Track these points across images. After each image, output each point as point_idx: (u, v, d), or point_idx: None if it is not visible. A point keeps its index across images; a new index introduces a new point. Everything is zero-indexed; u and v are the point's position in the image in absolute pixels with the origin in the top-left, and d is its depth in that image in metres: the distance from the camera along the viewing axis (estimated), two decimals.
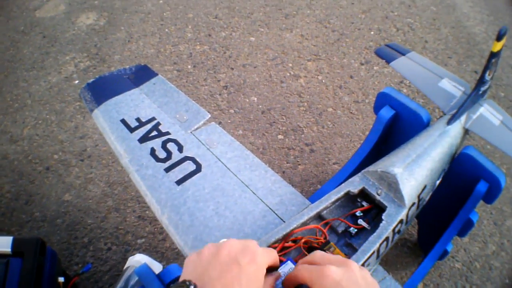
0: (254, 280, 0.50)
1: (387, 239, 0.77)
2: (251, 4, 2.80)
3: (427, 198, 0.98)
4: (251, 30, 2.60)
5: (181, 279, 0.49)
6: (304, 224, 0.77)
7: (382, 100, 1.25)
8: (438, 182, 1.02)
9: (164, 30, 2.60)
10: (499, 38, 1.01)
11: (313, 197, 0.96)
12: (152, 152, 0.94)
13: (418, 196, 0.88)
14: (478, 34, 2.65)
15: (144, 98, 1.08)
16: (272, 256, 0.56)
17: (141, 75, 1.16)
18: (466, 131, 1.11)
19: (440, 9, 2.85)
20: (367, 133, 1.91)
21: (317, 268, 0.51)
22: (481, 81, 1.10)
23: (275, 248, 0.71)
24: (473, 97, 1.11)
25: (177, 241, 0.81)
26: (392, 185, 0.82)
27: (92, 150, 1.92)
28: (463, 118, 1.09)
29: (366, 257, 0.71)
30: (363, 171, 0.87)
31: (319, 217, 0.81)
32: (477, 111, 1.13)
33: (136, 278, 1.05)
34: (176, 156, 0.93)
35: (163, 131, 0.99)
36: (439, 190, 1.04)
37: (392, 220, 0.78)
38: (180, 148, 0.95)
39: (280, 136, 1.98)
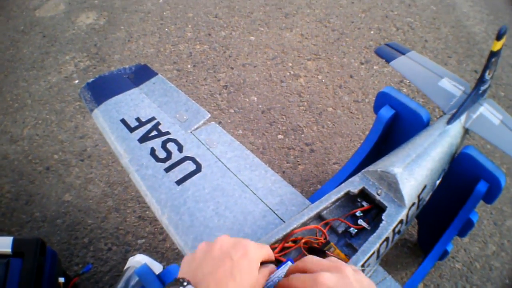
0: (247, 274, 0.50)
1: (387, 239, 0.77)
2: (251, 3, 2.80)
3: (427, 198, 0.98)
4: (251, 29, 2.59)
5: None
6: (304, 224, 0.77)
7: (382, 99, 1.25)
8: (438, 182, 1.02)
9: (164, 30, 2.60)
10: (499, 37, 1.01)
11: (313, 197, 0.96)
12: (152, 152, 0.94)
13: (418, 196, 0.88)
14: (478, 34, 2.65)
15: (144, 97, 1.08)
16: (265, 251, 0.56)
17: (141, 74, 1.16)
18: (466, 131, 1.11)
19: (440, 9, 2.85)
20: (367, 132, 1.91)
21: (310, 277, 0.50)
22: (481, 80, 1.10)
23: (275, 248, 0.71)
24: (473, 97, 1.11)
25: (177, 242, 0.81)
26: (392, 185, 0.82)
27: (92, 150, 1.92)
28: (463, 117, 1.09)
29: (366, 257, 0.71)
30: (363, 171, 0.87)
31: (319, 217, 0.81)
32: (477, 111, 1.13)
33: (137, 279, 1.05)
34: (176, 156, 0.93)
35: (163, 131, 0.99)
36: (439, 190, 1.04)
37: (392, 220, 0.78)
38: (180, 148, 0.95)
39: (280, 136, 1.98)
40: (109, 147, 1.89)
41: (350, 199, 0.85)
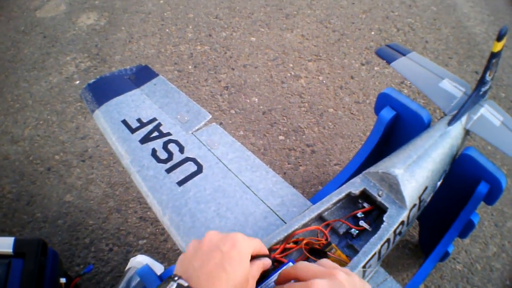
0: (238, 265, 0.50)
1: (388, 240, 0.77)
2: (251, 4, 2.81)
3: (428, 200, 0.98)
4: (251, 30, 2.60)
5: None
6: (306, 225, 0.77)
7: (383, 100, 1.25)
8: (439, 183, 1.02)
9: (164, 30, 2.60)
10: (499, 38, 1.01)
11: (314, 198, 0.96)
12: (153, 153, 0.94)
13: (419, 198, 0.88)
14: (479, 34, 2.65)
15: (145, 98, 1.08)
16: (254, 243, 0.56)
17: (142, 75, 1.16)
18: (467, 132, 1.11)
19: (441, 9, 2.85)
20: (368, 134, 1.91)
21: (303, 285, 0.49)
22: (481, 81, 1.10)
23: (276, 249, 0.71)
24: (474, 98, 1.11)
25: (178, 242, 0.81)
26: (393, 186, 0.82)
27: (93, 151, 1.92)
28: (463, 118, 1.09)
29: (367, 258, 0.71)
30: (364, 172, 0.87)
31: (320, 218, 0.81)
32: (478, 112, 1.13)
33: (138, 279, 1.05)
34: (177, 157, 0.94)
35: (164, 132, 0.99)
36: (440, 191, 1.04)
37: (393, 221, 0.78)
38: (181, 149, 0.95)
39: (281, 137, 1.98)
40: (110, 148, 1.89)
41: (351, 200, 0.85)
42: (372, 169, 0.87)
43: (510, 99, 2.22)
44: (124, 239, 1.61)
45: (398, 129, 1.27)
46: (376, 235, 0.75)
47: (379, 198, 0.82)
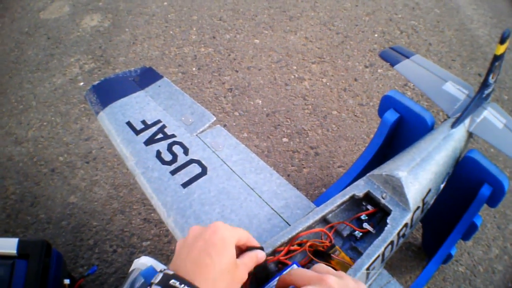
0: (222, 249, 0.51)
1: (392, 242, 0.77)
2: (255, 6, 2.81)
3: (431, 202, 0.98)
4: (255, 32, 2.60)
5: None
6: (310, 227, 0.77)
7: (387, 103, 1.25)
8: (442, 185, 1.02)
9: (168, 32, 2.61)
10: (502, 41, 1.01)
11: (318, 201, 0.96)
12: (158, 154, 0.95)
13: (423, 200, 0.88)
14: (482, 37, 2.65)
15: (150, 100, 1.08)
16: (239, 232, 0.57)
17: (146, 77, 1.16)
18: (470, 135, 1.11)
19: (444, 12, 2.85)
20: (371, 136, 1.91)
21: None
22: (484, 84, 1.10)
23: (280, 251, 0.71)
24: (477, 100, 1.11)
25: None
26: (397, 189, 0.82)
27: (97, 152, 1.93)
28: (467, 121, 1.09)
29: (371, 260, 0.71)
30: (368, 174, 0.87)
31: (324, 220, 0.82)
32: (481, 114, 1.13)
33: (142, 280, 1.05)
34: (181, 158, 0.94)
35: (169, 133, 1.00)
36: (443, 194, 1.04)
37: (397, 223, 0.78)
38: (186, 151, 0.96)
39: (285, 139, 1.98)
40: (114, 150, 1.90)
41: (355, 203, 0.85)
42: (376, 171, 0.87)
43: None
44: (128, 240, 1.61)
45: (401, 131, 1.27)
46: (379, 238, 0.75)
47: (382, 201, 0.82)
